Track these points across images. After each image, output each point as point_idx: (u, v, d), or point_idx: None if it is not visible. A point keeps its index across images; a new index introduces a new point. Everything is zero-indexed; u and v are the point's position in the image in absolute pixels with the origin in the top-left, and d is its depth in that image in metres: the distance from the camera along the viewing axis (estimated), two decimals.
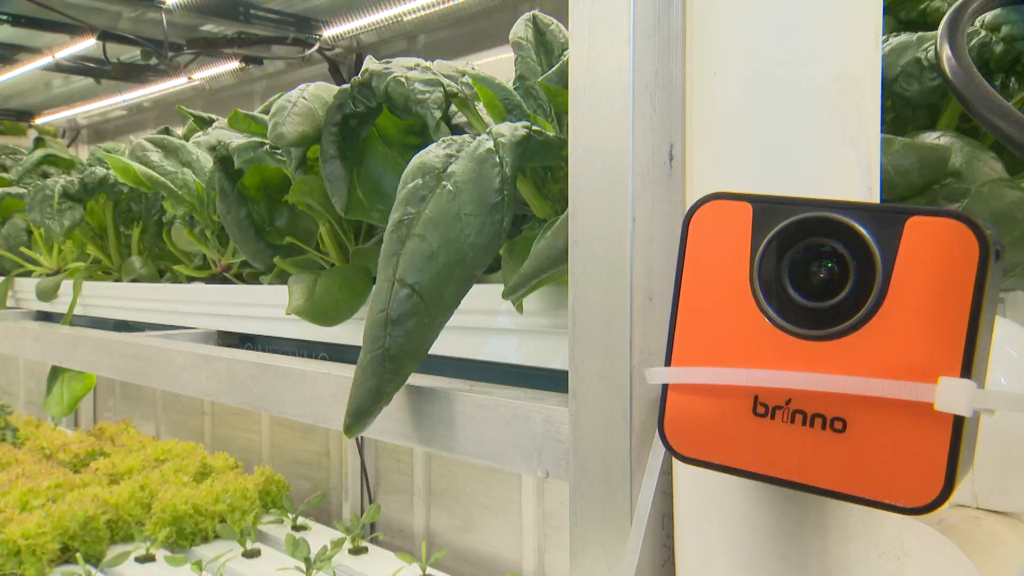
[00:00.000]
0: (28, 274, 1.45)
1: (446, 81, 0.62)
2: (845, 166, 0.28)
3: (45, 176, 1.68)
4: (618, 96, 0.33)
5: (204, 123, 1.23)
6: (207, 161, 1.07)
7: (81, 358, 0.91)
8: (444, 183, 0.51)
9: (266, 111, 0.86)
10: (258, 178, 0.89)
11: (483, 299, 0.59)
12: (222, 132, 1.19)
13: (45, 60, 2.29)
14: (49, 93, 3.13)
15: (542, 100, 0.62)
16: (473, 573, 2.22)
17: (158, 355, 0.76)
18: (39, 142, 1.71)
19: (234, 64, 2.26)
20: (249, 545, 2.22)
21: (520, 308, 0.54)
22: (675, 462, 0.33)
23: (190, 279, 1.11)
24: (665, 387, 0.28)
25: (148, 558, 2.20)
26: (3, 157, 1.75)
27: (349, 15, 2.00)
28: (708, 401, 0.27)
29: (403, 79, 0.61)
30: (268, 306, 0.86)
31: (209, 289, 0.93)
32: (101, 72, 2.38)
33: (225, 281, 1.03)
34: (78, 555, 2.08)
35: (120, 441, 3.34)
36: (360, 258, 0.74)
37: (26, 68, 2.43)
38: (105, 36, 1.87)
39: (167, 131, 1.20)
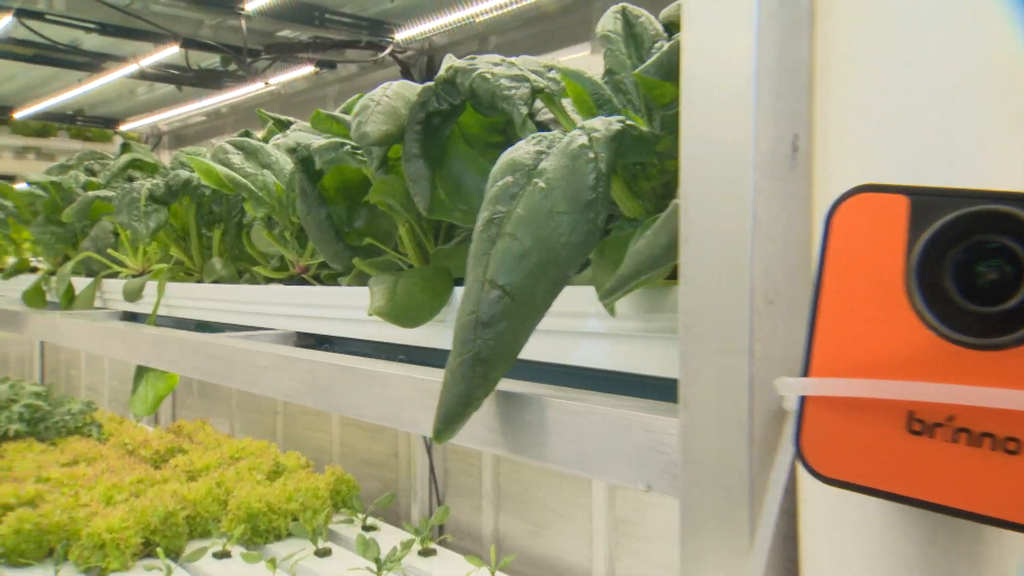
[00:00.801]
0: (114, 275, 1.48)
1: (532, 76, 0.60)
2: (1013, 152, 0.25)
3: (131, 180, 1.73)
4: (738, 83, 0.31)
5: (283, 125, 1.24)
6: (286, 163, 1.07)
7: (166, 358, 0.92)
8: (535, 180, 0.49)
9: (347, 111, 0.85)
10: (338, 179, 0.88)
11: (572, 301, 0.57)
12: (300, 134, 1.20)
13: (130, 68, 2.36)
14: (134, 100, 3.24)
15: (632, 95, 0.60)
16: None
17: (240, 356, 0.77)
18: (125, 147, 1.76)
19: (308, 68, 2.29)
20: (320, 544, 2.25)
21: (612, 311, 0.51)
22: (800, 479, 0.31)
23: (268, 280, 1.12)
24: (802, 399, 0.25)
25: (224, 554, 2.24)
26: (91, 162, 1.80)
27: (421, 18, 2.01)
28: (854, 416, 0.24)
29: (488, 75, 0.59)
30: (346, 307, 0.85)
31: (288, 290, 0.93)
32: (182, 79, 2.45)
33: (303, 282, 1.03)
34: (159, 550, 2.13)
35: (197, 439, 3.43)
36: (441, 259, 0.73)
37: (112, 76, 2.52)
38: (188, 44, 1.91)
39: (247, 134, 1.22)
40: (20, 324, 1.42)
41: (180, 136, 3.88)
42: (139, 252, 1.44)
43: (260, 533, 2.36)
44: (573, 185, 0.47)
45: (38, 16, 1.88)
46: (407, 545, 2.11)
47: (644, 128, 0.51)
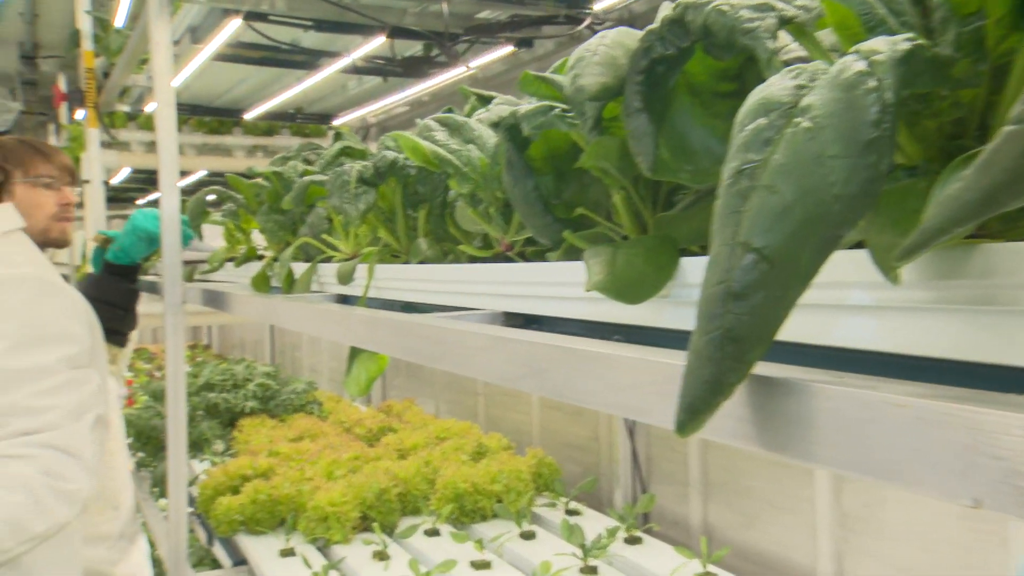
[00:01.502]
0: (328, 259, 1.54)
1: (778, 5, 0.51)
2: None
3: (341, 166, 1.79)
4: None
5: (485, 101, 1.21)
6: (490, 137, 1.04)
7: (378, 340, 0.91)
8: (797, 120, 0.40)
9: (558, 71, 0.80)
10: (544, 148, 0.83)
11: (831, 268, 0.47)
12: (503, 107, 1.16)
13: (342, 62, 2.47)
14: (345, 95, 3.41)
15: (907, 15, 0.49)
16: (758, 574, 2.07)
17: (451, 337, 0.73)
18: (337, 136, 1.82)
19: (506, 49, 2.28)
20: (525, 527, 2.25)
21: (897, 278, 0.41)
22: None
23: (472, 259, 1.09)
24: None
25: (434, 532, 2.30)
26: (308, 153, 1.89)
27: None
28: None
29: (726, 7, 0.51)
30: (556, 284, 0.80)
31: (494, 268, 0.89)
32: (388, 70, 2.52)
33: (508, 260, 0.99)
34: (375, 525, 2.22)
35: (405, 418, 3.58)
36: (663, 227, 0.66)
37: (327, 71, 2.65)
38: (394, 33, 1.96)
39: (450, 111, 1.20)
40: (250, 308, 1.50)
41: (385, 127, 4.05)
42: (350, 236, 1.48)
43: (467, 513, 2.41)
44: (848, 122, 0.38)
45: (262, 18, 2.00)
46: (612, 532, 2.05)
47: (937, 49, 0.41)
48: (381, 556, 2.14)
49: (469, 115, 1.16)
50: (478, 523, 2.41)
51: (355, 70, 2.58)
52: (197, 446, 3.37)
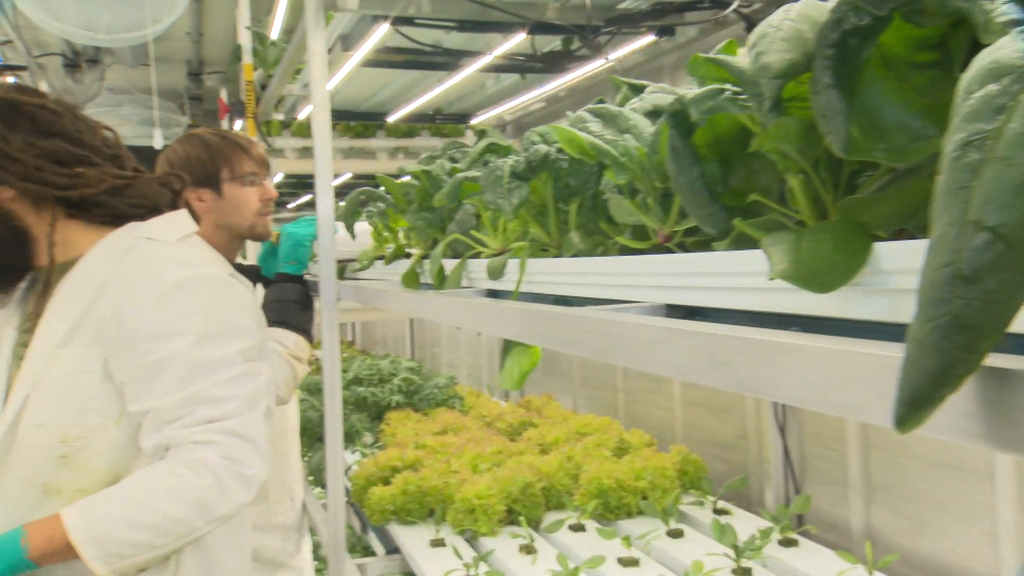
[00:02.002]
0: (476, 255, 1.56)
1: None
2: None
3: (487, 163, 1.82)
4: None
5: (637, 90, 1.19)
6: (646, 126, 1.02)
7: (538, 333, 0.91)
8: None
9: (725, 52, 0.77)
10: (709, 134, 0.80)
11: None
12: (657, 96, 1.14)
13: (482, 60, 2.50)
14: (482, 94, 3.46)
15: None
16: None
17: (621, 329, 0.72)
18: (482, 133, 1.85)
19: (646, 39, 2.24)
20: (672, 525, 2.20)
21: None
22: None
23: (626, 251, 1.07)
24: None
25: (579, 527, 2.29)
26: (453, 151, 1.93)
27: None
28: None
29: None
30: (725, 275, 0.77)
31: (658, 260, 0.87)
32: (526, 66, 2.54)
33: (666, 251, 0.97)
34: (521, 518, 2.24)
35: (545, 413, 3.60)
36: (852, 211, 0.62)
37: (467, 71, 2.69)
38: (534, 29, 1.96)
39: (602, 102, 1.19)
40: (405, 304, 1.54)
41: (521, 124, 4.08)
42: (499, 232, 1.49)
43: (611, 509, 2.39)
44: None
45: (409, 22, 2.06)
46: (766, 533, 1.98)
47: None
48: (528, 550, 2.16)
49: (621, 105, 1.14)
50: (623, 520, 2.38)
51: (495, 68, 2.61)
52: (348, 438, 3.52)
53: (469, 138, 4.14)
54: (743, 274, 0.73)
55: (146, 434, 1.26)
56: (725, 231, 0.79)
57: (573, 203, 1.20)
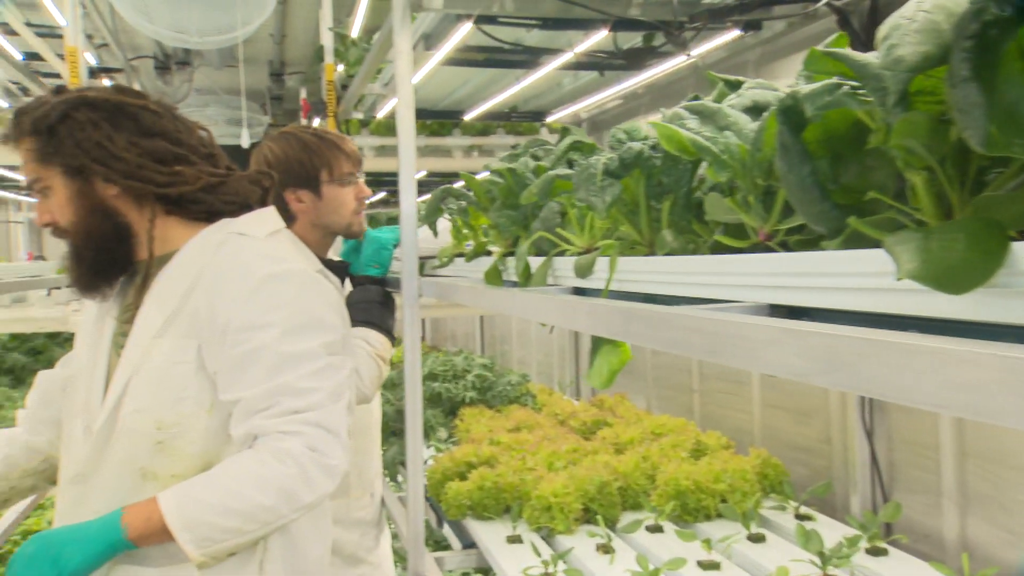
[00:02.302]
0: (561, 253, 1.55)
1: None
2: None
3: (570, 162, 1.81)
4: None
5: (733, 86, 1.17)
6: (746, 123, 1.00)
7: (634, 331, 0.90)
8: None
9: (835, 46, 0.74)
10: (821, 130, 0.78)
11: None
12: (756, 92, 1.12)
13: (562, 58, 2.50)
14: (559, 92, 3.45)
15: None
16: None
17: (728, 329, 0.71)
18: (565, 131, 1.84)
19: (731, 34, 2.20)
20: (753, 529, 2.16)
21: None
22: None
23: (718, 249, 1.06)
24: None
25: (656, 528, 2.27)
26: (536, 149, 1.93)
27: None
28: None
29: None
30: (838, 275, 0.75)
31: (763, 259, 0.85)
32: (606, 64, 2.52)
33: (767, 250, 0.95)
34: (598, 517, 2.23)
35: (618, 413, 3.57)
36: (986, 209, 0.59)
37: (546, 69, 2.69)
38: (617, 25, 1.95)
39: (696, 98, 1.17)
40: (491, 301, 1.55)
41: (597, 122, 4.05)
42: (585, 230, 1.48)
43: (689, 511, 2.36)
44: None
45: (492, 20, 2.07)
46: (853, 541, 1.92)
47: None
48: (605, 549, 2.15)
49: (717, 101, 1.12)
50: (701, 522, 2.35)
51: (575, 66, 2.60)
52: (423, 433, 3.56)
53: (544, 135, 4.13)
54: (860, 274, 0.71)
55: (236, 423, 1.30)
56: (836, 230, 0.77)
57: (666, 201, 1.19)
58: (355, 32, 3.91)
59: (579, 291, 1.44)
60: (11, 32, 2.94)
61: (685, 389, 3.58)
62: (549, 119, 3.92)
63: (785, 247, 0.94)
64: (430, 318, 9.28)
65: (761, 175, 0.93)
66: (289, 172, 1.80)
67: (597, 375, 1.27)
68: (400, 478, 3.46)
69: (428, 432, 3.52)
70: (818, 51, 0.69)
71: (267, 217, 1.47)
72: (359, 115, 3.86)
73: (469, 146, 4.13)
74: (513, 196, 1.76)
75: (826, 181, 0.78)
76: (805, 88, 0.71)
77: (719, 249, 1.09)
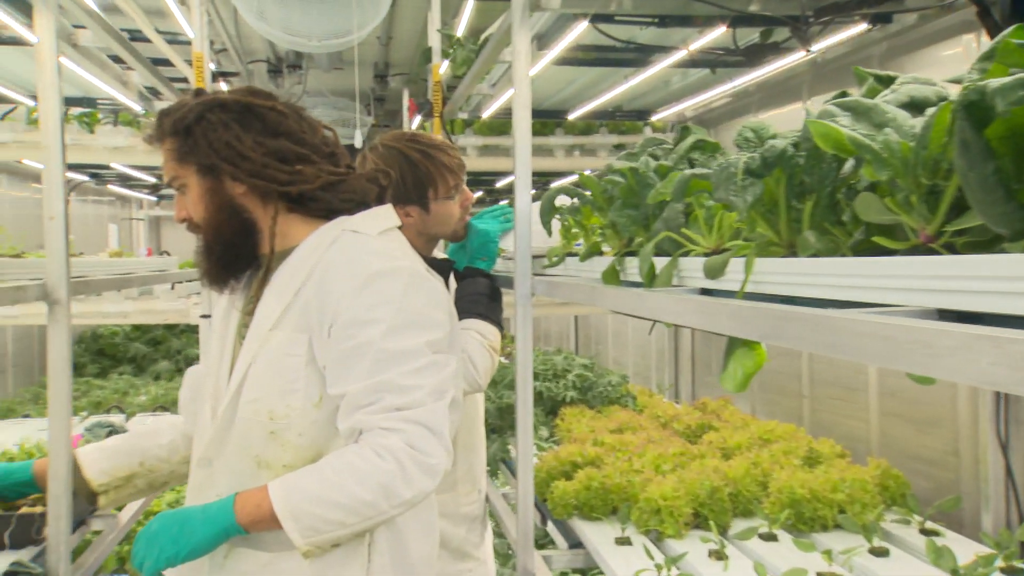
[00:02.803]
0: (685, 254, 1.53)
1: None
2: None
3: (691, 161, 1.78)
4: None
5: (884, 82, 1.13)
6: (905, 119, 0.96)
7: (791, 334, 0.88)
8: None
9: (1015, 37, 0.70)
10: (1004, 127, 0.74)
11: None
12: (912, 87, 1.07)
13: (674, 57, 2.46)
14: (666, 91, 3.41)
15: None
16: None
17: (907, 334, 0.68)
18: (685, 130, 1.81)
19: (856, 29, 2.12)
20: (875, 542, 2.08)
21: None
22: None
23: (865, 250, 1.02)
24: None
25: (770, 537, 2.21)
26: (653, 148, 1.90)
27: None
28: None
29: None
30: (1019, 279, 0.71)
31: (935, 261, 0.81)
32: (719, 61, 2.47)
33: (929, 252, 0.91)
34: (711, 523, 2.19)
35: (723, 417, 3.49)
36: None
37: (657, 67, 2.66)
38: (735, 22, 1.91)
39: (844, 94, 1.13)
40: (616, 300, 1.54)
41: (703, 120, 3.98)
42: (713, 231, 1.46)
43: (804, 520, 2.29)
44: None
45: (608, 19, 2.06)
46: (987, 559, 1.82)
47: None
48: (718, 556, 2.10)
49: (869, 97, 1.08)
50: (818, 532, 2.27)
51: (689, 64, 2.56)
52: None
53: (648, 135, 4.08)
54: None
55: (342, 417, 1.33)
56: (1021, 231, 0.73)
57: (808, 201, 1.16)
58: (459, 33, 3.96)
59: (706, 292, 1.41)
60: (143, 39, 3.11)
61: (793, 394, 3.48)
62: (654, 118, 3.87)
63: (951, 249, 0.90)
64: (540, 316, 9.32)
65: (926, 174, 0.89)
66: (396, 190, 1.82)
67: (731, 378, 1.24)
68: (500, 475, 3.49)
69: None
70: (1012, 43, 0.65)
71: (381, 215, 1.50)
72: (463, 115, 3.90)
73: (571, 145, 4.12)
74: (633, 195, 1.75)
75: (1010, 180, 0.74)
76: (995, 82, 0.68)
77: (864, 251, 1.05)
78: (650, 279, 1.52)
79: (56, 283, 1.73)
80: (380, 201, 1.54)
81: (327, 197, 1.46)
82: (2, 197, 5.50)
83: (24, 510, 2.06)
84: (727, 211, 1.32)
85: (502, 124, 4.15)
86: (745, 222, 1.33)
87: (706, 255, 1.45)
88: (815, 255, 1.10)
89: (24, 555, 1.98)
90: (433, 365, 1.35)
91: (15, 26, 2.19)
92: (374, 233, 1.45)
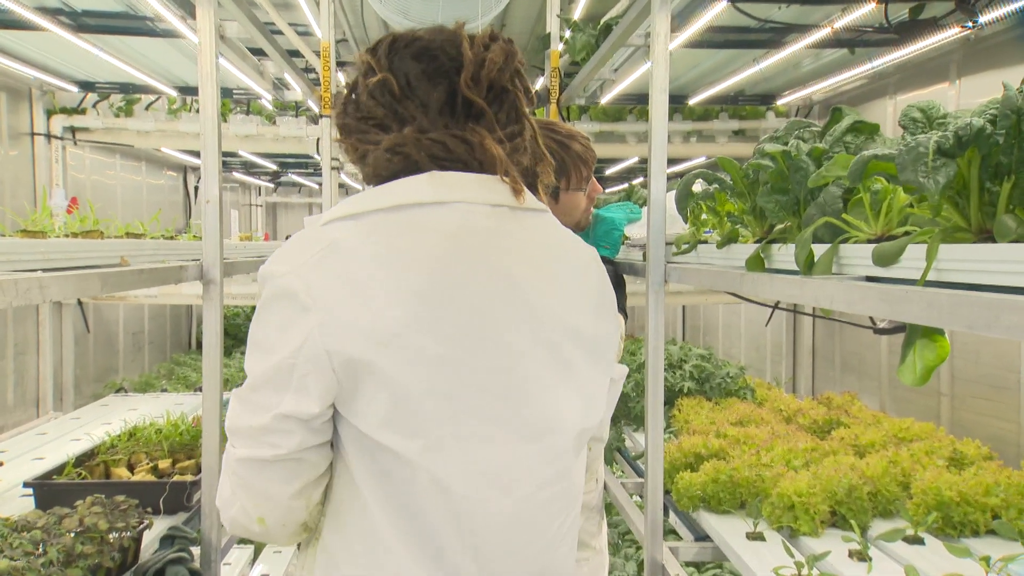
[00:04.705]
0: (845, 240, 1.46)
1: None
2: None
3: (847, 146, 1.70)
4: None
5: None
6: None
7: (1007, 324, 0.82)
8: None
9: None
10: None
11: None
12: None
13: (814, 36, 2.36)
14: (795, 73, 3.28)
15: None
16: None
17: None
18: (837, 112, 1.73)
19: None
20: None
21: None
22: None
23: None
24: None
25: (916, 539, 2.10)
26: (800, 131, 1.82)
27: None
28: None
29: None
30: None
31: None
32: (865, 41, 2.35)
33: None
34: (852, 523, 2.10)
35: (851, 412, 3.35)
36: None
37: (791, 49, 2.55)
38: None
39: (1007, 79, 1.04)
40: (774, 288, 1.49)
41: (830, 104, 3.81)
42: (880, 216, 1.38)
43: (953, 524, 2.16)
44: None
45: None
46: None
47: None
48: (860, 556, 2.01)
49: None
50: (968, 538, 2.15)
51: (828, 43, 2.44)
52: (639, 420, 3.53)
53: (771, 120, 3.95)
54: None
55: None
56: None
57: (1006, 183, 1.07)
58: (576, 17, 3.92)
59: (871, 279, 1.34)
60: (277, 32, 3.21)
61: (930, 392, 3.30)
62: (780, 102, 3.73)
63: None
64: (628, 307, 9.23)
65: None
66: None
67: (910, 371, 1.17)
68: (614, 465, 3.45)
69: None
70: None
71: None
72: (580, 101, 3.86)
73: (688, 131, 4.03)
74: (784, 180, 1.68)
75: None
76: None
77: None
78: (808, 266, 1.46)
79: (211, 264, 1.79)
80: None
81: None
82: (140, 184, 5.82)
83: (176, 478, 2.16)
84: (909, 194, 1.24)
85: (617, 111, 4.09)
86: (921, 207, 1.26)
87: (870, 241, 1.38)
88: (1016, 241, 1.03)
89: (176, 520, 2.08)
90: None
91: (172, 20, 2.29)
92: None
